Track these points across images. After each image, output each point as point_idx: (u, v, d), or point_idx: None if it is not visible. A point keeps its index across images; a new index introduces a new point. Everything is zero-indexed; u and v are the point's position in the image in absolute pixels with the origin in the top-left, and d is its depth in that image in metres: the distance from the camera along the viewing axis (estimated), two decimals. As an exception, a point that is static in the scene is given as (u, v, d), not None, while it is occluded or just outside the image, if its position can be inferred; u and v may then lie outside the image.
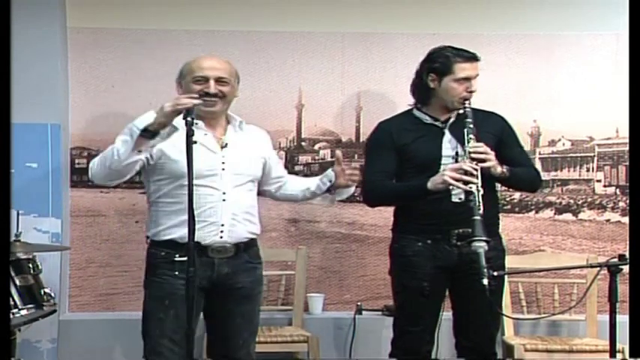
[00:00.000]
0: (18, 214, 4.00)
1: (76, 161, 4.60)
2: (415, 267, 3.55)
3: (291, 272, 4.55)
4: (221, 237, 3.22)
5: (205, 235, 3.14)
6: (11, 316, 3.56)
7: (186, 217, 3.02)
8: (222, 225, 3.22)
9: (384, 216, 4.37)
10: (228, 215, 3.23)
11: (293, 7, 4.63)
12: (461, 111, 3.54)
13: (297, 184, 3.60)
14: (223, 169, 3.25)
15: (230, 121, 3.35)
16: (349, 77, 4.69)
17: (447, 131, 3.59)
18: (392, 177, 3.63)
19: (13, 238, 3.81)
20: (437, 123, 3.61)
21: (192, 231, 2.84)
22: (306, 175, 4.59)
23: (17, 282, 3.68)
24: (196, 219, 3.03)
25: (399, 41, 4.68)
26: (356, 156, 4.68)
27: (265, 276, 4.23)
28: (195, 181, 3.04)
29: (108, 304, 4.60)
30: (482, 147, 3.45)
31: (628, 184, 4.51)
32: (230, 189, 3.25)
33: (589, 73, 4.71)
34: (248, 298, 3.33)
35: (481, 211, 3.31)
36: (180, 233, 3.14)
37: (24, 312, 3.64)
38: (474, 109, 3.57)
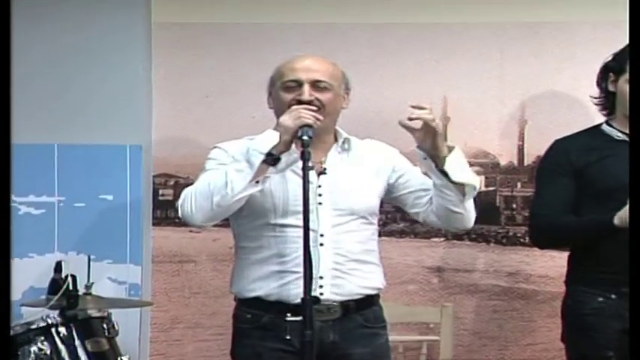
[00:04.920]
0: (89, 260, 3.66)
1: (160, 192, 4.17)
2: (595, 330, 3.21)
3: (435, 338, 4.07)
4: (321, 294, 2.83)
5: (299, 291, 2.66)
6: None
7: (275, 267, 2.88)
8: (322, 278, 2.84)
9: (557, 264, 3.81)
10: (328, 264, 2.87)
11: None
12: None
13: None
14: (320, 203, 2.88)
15: (337, 139, 3.01)
16: (510, 82, 4.17)
17: None
18: (568, 210, 3.31)
19: (83, 290, 3.55)
20: None
21: (309, 282, 2.56)
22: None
23: (88, 347, 3.41)
24: (285, 270, 2.84)
25: (579, 32, 4.10)
26: (519, 184, 4.19)
27: (400, 342, 4.05)
28: (281, 220, 2.86)
29: (199, 376, 4.23)
30: None
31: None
32: (328, 229, 2.88)
33: None
34: None
35: None
36: (268, 289, 2.87)
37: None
38: None
